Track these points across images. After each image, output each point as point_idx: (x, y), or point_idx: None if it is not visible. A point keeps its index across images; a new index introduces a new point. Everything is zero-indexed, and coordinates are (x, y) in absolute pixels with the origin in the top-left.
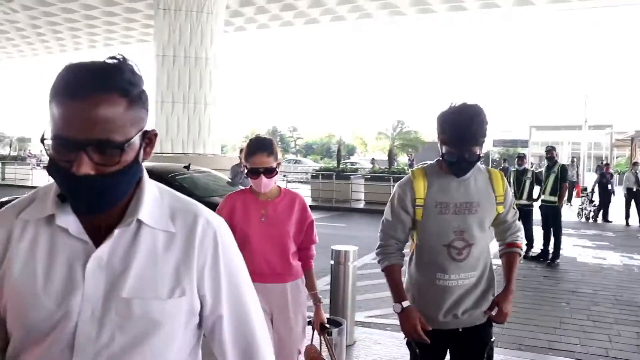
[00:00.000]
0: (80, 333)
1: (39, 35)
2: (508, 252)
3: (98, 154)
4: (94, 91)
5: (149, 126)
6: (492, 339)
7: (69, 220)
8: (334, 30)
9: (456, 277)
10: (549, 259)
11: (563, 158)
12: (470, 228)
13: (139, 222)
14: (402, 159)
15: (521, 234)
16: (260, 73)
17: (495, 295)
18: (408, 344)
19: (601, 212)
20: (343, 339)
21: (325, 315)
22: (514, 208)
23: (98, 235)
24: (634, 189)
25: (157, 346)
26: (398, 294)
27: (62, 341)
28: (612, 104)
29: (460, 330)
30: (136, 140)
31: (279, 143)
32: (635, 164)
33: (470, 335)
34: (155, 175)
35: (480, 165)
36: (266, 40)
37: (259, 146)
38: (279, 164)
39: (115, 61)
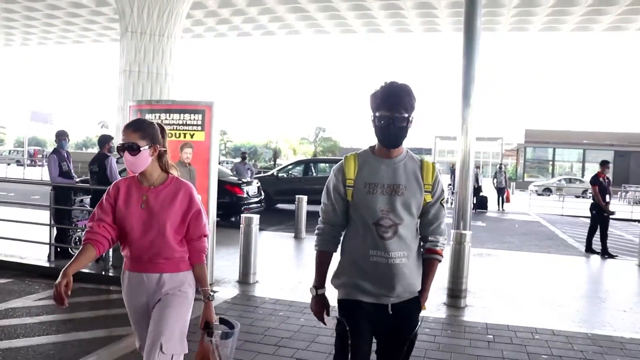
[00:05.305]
0: None
1: None
2: (426, 258)
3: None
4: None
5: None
6: (418, 324)
7: None
8: (266, 42)
9: (385, 255)
10: None
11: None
12: (396, 208)
13: None
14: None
15: (443, 239)
16: (198, 81)
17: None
18: (339, 320)
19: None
20: (231, 343)
21: (218, 317)
22: (442, 205)
23: None
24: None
25: None
26: (319, 280)
27: None
28: (502, 118)
29: (390, 311)
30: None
31: None
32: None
33: (398, 315)
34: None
35: (414, 155)
36: (200, 50)
37: (126, 124)
38: (154, 146)
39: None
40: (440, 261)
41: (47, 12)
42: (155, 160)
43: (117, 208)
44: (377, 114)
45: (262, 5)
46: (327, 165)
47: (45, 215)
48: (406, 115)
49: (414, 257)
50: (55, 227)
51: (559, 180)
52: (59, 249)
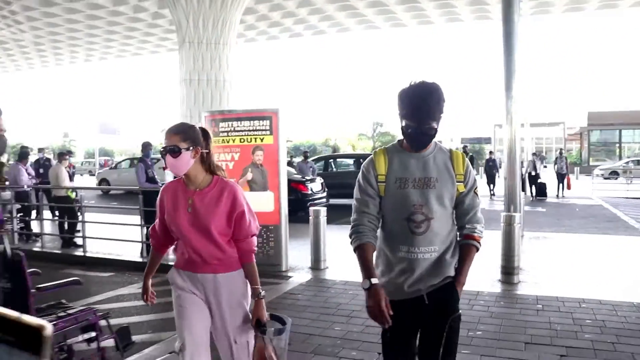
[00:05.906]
0: None
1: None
2: (463, 244)
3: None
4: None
5: None
6: (458, 312)
7: None
8: (317, 42)
9: (416, 250)
10: None
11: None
12: (429, 202)
13: None
14: None
15: (481, 227)
16: (254, 85)
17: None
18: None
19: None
20: (283, 340)
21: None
22: (476, 194)
23: None
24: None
25: None
26: (367, 271)
27: None
28: (563, 102)
29: (426, 301)
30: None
31: None
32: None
33: (435, 303)
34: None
35: (443, 146)
36: (254, 54)
37: (168, 128)
38: (196, 149)
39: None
40: (478, 249)
41: (107, 28)
42: (198, 162)
43: (166, 213)
44: (404, 122)
45: (311, 5)
46: (345, 160)
47: (127, 218)
48: (434, 125)
49: (445, 251)
50: (145, 227)
51: (627, 163)
52: (149, 246)
